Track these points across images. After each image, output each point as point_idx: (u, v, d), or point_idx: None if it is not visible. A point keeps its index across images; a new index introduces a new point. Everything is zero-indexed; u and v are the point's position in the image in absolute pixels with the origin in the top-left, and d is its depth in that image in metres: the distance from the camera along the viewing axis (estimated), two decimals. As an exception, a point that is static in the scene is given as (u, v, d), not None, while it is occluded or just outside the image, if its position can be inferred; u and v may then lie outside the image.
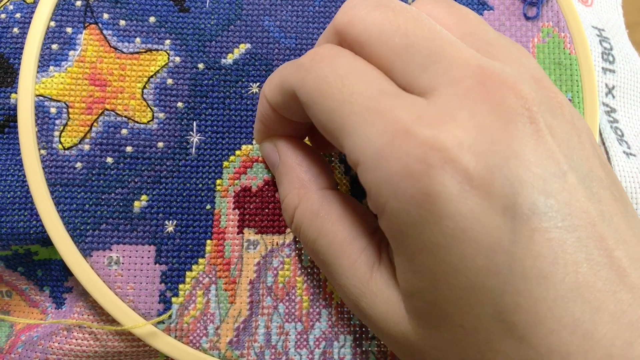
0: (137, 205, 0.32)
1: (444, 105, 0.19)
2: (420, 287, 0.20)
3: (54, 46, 0.33)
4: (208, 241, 0.32)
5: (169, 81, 0.33)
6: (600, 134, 0.37)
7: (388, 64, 0.21)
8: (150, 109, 0.33)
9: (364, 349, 0.32)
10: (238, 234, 0.32)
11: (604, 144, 0.37)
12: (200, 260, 0.32)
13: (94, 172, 0.32)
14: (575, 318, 0.17)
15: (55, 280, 0.35)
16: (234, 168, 0.33)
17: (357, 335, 0.32)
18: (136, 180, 0.32)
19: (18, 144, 0.33)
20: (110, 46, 0.33)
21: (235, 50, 0.34)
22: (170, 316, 0.31)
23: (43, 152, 0.32)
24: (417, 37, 0.21)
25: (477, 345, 0.19)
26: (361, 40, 0.22)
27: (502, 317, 0.18)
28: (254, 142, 0.33)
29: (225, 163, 0.33)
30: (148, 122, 0.33)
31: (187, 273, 0.32)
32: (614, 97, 0.40)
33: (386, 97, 0.20)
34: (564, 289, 0.17)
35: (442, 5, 0.24)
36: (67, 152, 0.32)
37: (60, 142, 0.32)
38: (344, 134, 0.21)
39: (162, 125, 0.33)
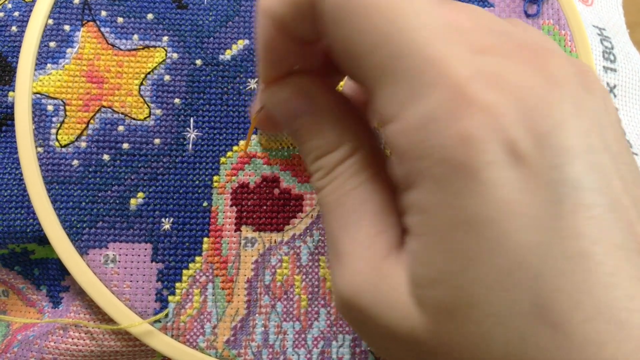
0: (134, 202, 0.32)
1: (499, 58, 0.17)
2: (448, 272, 0.18)
3: (52, 44, 0.33)
4: (205, 239, 0.32)
5: (167, 77, 0.33)
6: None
7: None
8: (147, 105, 0.33)
9: (362, 348, 0.32)
10: (235, 231, 0.32)
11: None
12: (197, 258, 0.32)
13: (90, 169, 0.32)
14: (612, 305, 0.16)
15: (52, 279, 0.35)
16: (231, 164, 0.33)
17: (356, 335, 0.32)
18: (133, 178, 0.32)
19: (15, 141, 0.33)
20: (108, 43, 0.33)
21: (234, 46, 0.34)
22: (166, 315, 0.31)
23: (40, 149, 0.32)
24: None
25: (506, 336, 0.17)
26: None
27: (540, 302, 0.16)
28: (251, 138, 0.33)
29: (223, 159, 0.33)
30: (145, 118, 0.33)
31: (184, 271, 0.32)
32: (615, 96, 0.40)
33: (454, 34, 0.17)
34: (603, 272, 0.16)
35: None
36: (63, 149, 0.32)
37: (57, 140, 0.32)
38: (382, 79, 0.17)
39: (159, 121, 0.33)
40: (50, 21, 0.33)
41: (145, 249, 0.32)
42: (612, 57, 0.40)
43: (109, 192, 0.32)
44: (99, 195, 0.32)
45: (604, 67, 0.39)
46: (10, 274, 0.35)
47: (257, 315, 0.32)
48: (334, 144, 0.22)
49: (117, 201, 0.32)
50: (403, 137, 0.17)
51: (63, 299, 0.34)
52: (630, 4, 0.48)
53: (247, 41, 0.34)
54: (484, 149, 0.16)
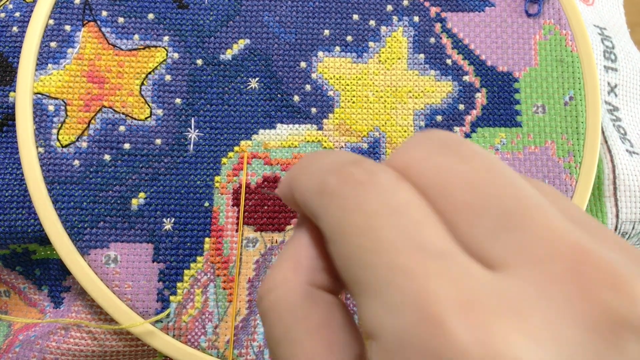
0: (135, 202, 0.32)
1: (513, 291, 0.14)
2: None
3: (53, 44, 0.33)
4: (206, 239, 0.32)
5: (167, 77, 0.33)
6: (603, 132, 0.37)
7: (452, 221, 0.16)
8: (148, 105, 0.33)
9: (364, 348, 0.32)
10: (237, 231, 0.32)
11: (606, 142, 0.37)
12: (199, 258, 0.32)
13: (91, 169, 0.32)
14: None
15: (54, 279, 0.35)
16: (233, 165, 0.33)
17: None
18: (134, 178, 0.32)
19: (16, 142, 0.33)
20: (109, 43, 0.33)
21: (234, 45, 0.34)
22: (168, 315, 0.31)
23: (41, 150, 0.32)
24: (490, 194, 0.16)
25: None
26: (421, 187, 0.17)
27: None
28: (252, 137, 0.33)
29: (224, 160, 0.33)
30: (146, 118, 0.33)
31: (185, 271, 0.32)
32: (616, 95, 0.40)
33: (425, 255, 0.15)
34: None
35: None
36: (64, 149, 0.32)
37: (58, 140, 0.32)
38: (361, 291, 0.16)
39: (160, 121, 0.33)
40: (51, 21, 0.33)
41: (147, 249, 0.32)
42: (613, 57, 0.40)
43: (110, 192, 0.32)
44: (100, 195, 0.32)
45: (605, 66, 0.39)
46: (12, 274, 0.35)
47: (258, 315, 0.32)
48: (275, 263, 0.20)
49: (119, 201, 0.32)
50: (379, 356, 0.15)
51: (64, 299, 0.34)
52: (630, 4, 0.48)
53: (247, 41, 0.34)
54: None
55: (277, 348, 0.19)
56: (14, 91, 0.33)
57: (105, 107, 0.33)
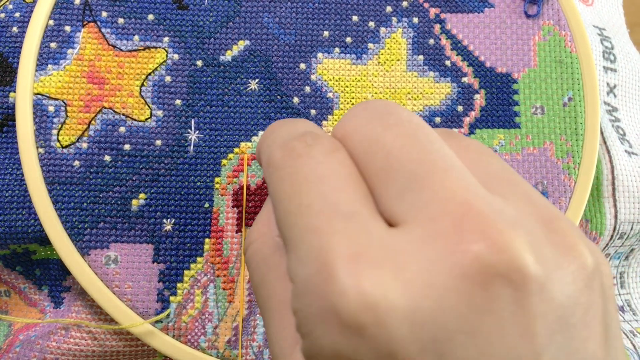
0: (135, 203, 0.32)
1: (400, 244, 0.16)
2: None
3: (53, 45, 0.33)
4: (206, 240, 0.32)
5: (167, 78, 0.33)
6: (602, 133, 0.37)
7: (371, 184, 0.18)
8: (148, 106, 0.33)
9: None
10: (237, 232, 0.32)
11: (605, 143, 0.37)
12: (199, 258, 0.32)
13: (91, 170, 0.32)
14: None
15: (54, 279, 0.35)
16: (233, 166, 0.33)
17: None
18: (134, 179, 0.32)
19: (16, 142, 0.33)
20: (109, 44, 0.33)
21: (234, 47, 0.34)
22: (168, 315, 0.31)
23: (41, 150, 0.32)
24: (401, 159, 0.17)
25: None
26: (353, 154, 0.19)
27: None
28: (252, 139, 0.33)
29: (224, 161, 0.33)
30: (146, 119, 0.33)
31: (185, 272, 0.32)
32: (615, 96, 0.40)
33: (336, 216, 0.17)
34: None
35: (440, 133, 0.20)
36: (65, 150, 0.32)
37: (58, 141, 0.32)
38: (287, 247, 0.18)
39: (160, 123, 0.33)
40: (51, 22, 0.33)
41: (147, 250, 0.32)
42: (612, 57, 0.40)
43: (111, 193, 0.32)
44: (101, 196, 0.32)
45: (604, 67, 0.40)
46: (12, 274, 0.35)
47: (258, 315, 0.32)
48: (255, 220, 0.24)
49: (119, 202, 0.32)
50: (292, 300, 0.17)
51: (65, 299, 0.34)
52: (630, 4, 0.48)
53: (247, 42, 0.34)
54: (351, 346, 0.15)
55: (256, 291, 0.22)
56: (14, 91, 0.33)
57: (105, 108, 0.33)
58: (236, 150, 0.33)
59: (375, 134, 0.18)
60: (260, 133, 0.33)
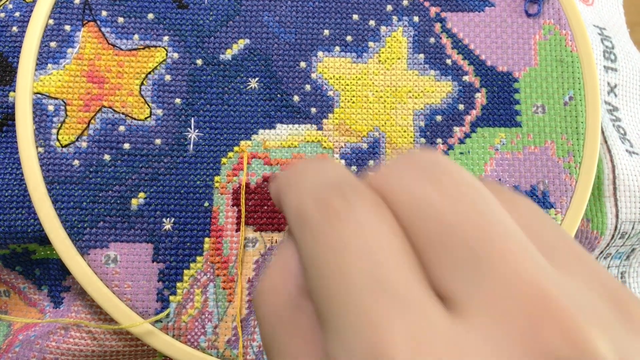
0: (135, 202, 0.32)
1: (467, 335, 0.14)
2: None
3: (53, 44, 0.33)
4: (206, 239, 0.32)
5: (167, 77, 0.33)
6: (603, 132, 0.37)
7: (421, 251, 0.16)
8: (148, 105, 0.33)
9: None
10: (237, 231, 0.32)
11: (606, 142, 0.37)
12: (199, 258, 0.32)
13: (91, 169, 0.32)
14: None
15: (54, 279, 0.35)
16: (232, 164, 0.33)
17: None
18: (134, 178, 0.32)
19: (16, 142, 0.33)
20: (109, 43, 0.33)
21: (234, 45, 0.34)
22: (167, 315, 0.31)
23: (41, 149, 0.32)
24: (457, 228, 0.16)
25: None
26: (398, 214, 0.17)
27: None
28: (252, 137, 0.33)
29: (224, 159, 0.33)
30: (146, 118, 0.33)
31: (185, 271, 0.32)
32: (616, 95, 0.40)
33: (391, 298, 0.15)
34: None
35: (490, 187, 0.18)
36: (64, 149, 0.32)
37: (58, 140, 0.32)
38: (324, 321, 0.16)
39: (159, 121, 0.33)
40: (51, 21, 0.33)
41: (147, 249, 0.32)
42: (612, 57, 0.40)
43: (110, 192, 0.32)
44: (100, 195, 0.32)
45: (604, 66, 0.39)
46: (12, 274, 0.35)
47: (258, 315, 0.32)
48: (272, 264, 0.20)
49: (118, 201, 0.32)
50: None
51: (64, 299, 0.34)
52: (630, 3, 0.48)
53: (247, 40, 0.34)
54: None
55: (267, 347, 0.19)
56: (14, 91, 0.33)
57: (105, 107, 0.33)
58: (236, 148, 0.33)
59: (426, 195, 0.16)
60: (261, 132, 0.33)
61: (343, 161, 0.33)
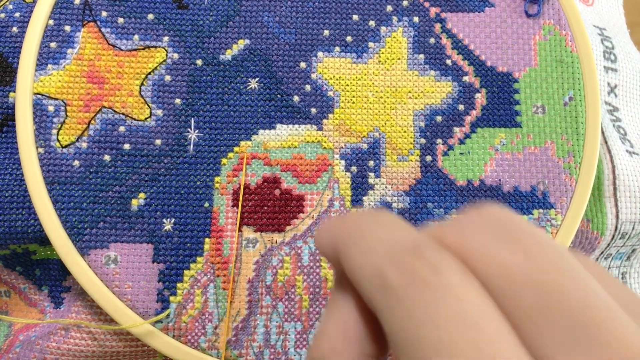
0: (135, 203, 0.32)
1: None
2: None
3: (53, 44, 0.33)
4: (206, 239, 0.32)
5: (167, 78, 0.33)
6: (603, 133, 0.37)
7: (517, 319, 0.15)
8: (148, 106, 0.33)
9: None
10: (238, 231, 0.32)
11: (606, 142, 0.37)
12: (199, 258, 0.32)
13: (91, 170, 0.32)
14: None
15: (54, 279, 0.35)
16: (232, 165, 0.33)
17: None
18: (134, 178, 0.32)
19: (16, 142, 0.33)
20: (109, 44, 0.33)
21: (234, 46, 0.34)
22: (168, 315, 0.31)
23: (41, 150, 0.32)
24: (559, 298, 0.15)
25: None
26: (481, 278, 0.16)
27: None
28: (252, 138, 0.33)
29: (224, 160, 0.33)
30: (146, 119, 0.33)
31: (185, 272, 0.32)
32: (616, 95, 0.40)
33: None
34: None
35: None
36: (64, 150, 0.32)
37: (58, 140, 0.32)
38: None
39: (159, 122, 0.33)
40: (51, 22, 0.33)
41: (147, 250, 0.32)
42: (612, 57, 0.40)
43: (110, 192, 0.32)
44: (100, 195, 0.32)
45: (604, 67, 0.39)
46: (12, 275, 0.35)
47: (258, 315, 0.32)
48: (324, 327, 0.19)
49: (118, 202, 0.32)
50: None
51: (64, 299, 0.34)
52: (630, 4, 0.48)
53: (247, 41, 0.34)
54: None
55: None
56: (14, 91, 0.33)
57: (105, 107, 0.33)
58: (236, 149, 0.33)
59: (514, 259, 0.16)
60: (261, 132, 0.33)
61: (343, 162, 0.33)
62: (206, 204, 0.32)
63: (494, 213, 0.17)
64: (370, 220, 0.19)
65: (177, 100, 0.33)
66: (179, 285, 0.32)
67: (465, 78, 0.35)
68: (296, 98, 0.34)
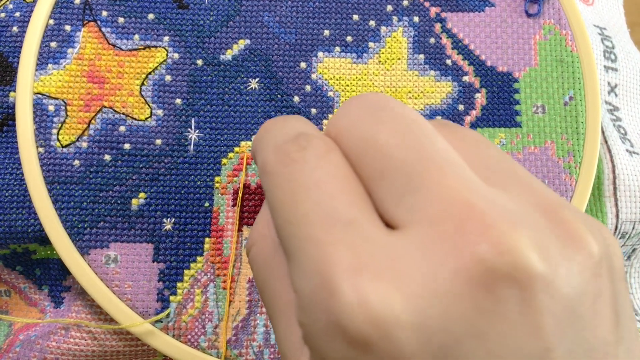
0: (135, 203, 0.32)
1: (404, 251, 0.15)
2: None
3: (53, 44, 0.33)
4: (207, 239, 0.32)
5: (168, 78, 0.33)
6: (603, 132, 0.37)
7: (368, 186, 0.17)
8: (149, 105, 0.33)
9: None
10: (237, 231, 0.32)
11: (606, 142, 0.37)
12: (199, 258, 0.32)
13: (91, 169, 0.32)
14: None
15: (54, 279, 0.35)
16: (233, 165, 0.33)
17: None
18: (134, 178, 0.32)
19: (16, 142, 0.33)
20: (109, 43, 0.33)
21: (235, 46, 0.34)
22: (168, 315, 0.31)
23: (41, 150, 0.32)
24: (396, 159, 0.17)
25: None
26: (347, 153, 0.18)
27: None
28: (252, 138, 0.33)
29: (224, 160, 0.33)
30: (146, 119, 0.33)
31: (186, 271, 0.32)
32: (616, 95, 0.40)
33: (334, 225, 0.16)
34: None
35: (435, 125, 0.19)
36: (65, 149, 0.32)
37: (58, 140, 0.32)
38: (287, 257, 0.17)
39: (160, 122, 0.33)
40: (51, 21, 0.33)
41: (147, 249, 0.32)
42: (613, 57, 0.40)
43: (110, 192, 0.32)
44: (100, 195, 0.32)
45: (605, 66, 0.39)
46: (12, 274, 0.35)
47: (258, 315, 0.32)
48: (255, 223, 0.23)
49: (119, 201, 0.32)
50: (297, 312, 0.17)
51: (65, 299, 0.34)
52: (630, 3, 0.48)
53: (248, 41, 0.34)
54: None
55: (261, 293, 0.21)
56: (14, 91, 0.33)
57: (105, 107, 0.33)
58: (236, 149, 0.33)
59: (369, 132, 0.18)
60: None
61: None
62: (206, 204, 0.32)
63: (365, 98, 0.19)
64: (277, 121, 0.21)
65: (178, 100, 0.33)
66: (179, 284, 0.32)
67: (465, 78, 0.35)
68: (296, 98, 0.34)
